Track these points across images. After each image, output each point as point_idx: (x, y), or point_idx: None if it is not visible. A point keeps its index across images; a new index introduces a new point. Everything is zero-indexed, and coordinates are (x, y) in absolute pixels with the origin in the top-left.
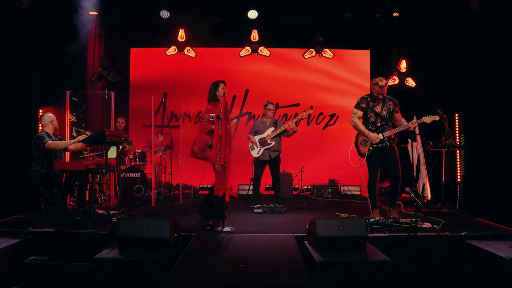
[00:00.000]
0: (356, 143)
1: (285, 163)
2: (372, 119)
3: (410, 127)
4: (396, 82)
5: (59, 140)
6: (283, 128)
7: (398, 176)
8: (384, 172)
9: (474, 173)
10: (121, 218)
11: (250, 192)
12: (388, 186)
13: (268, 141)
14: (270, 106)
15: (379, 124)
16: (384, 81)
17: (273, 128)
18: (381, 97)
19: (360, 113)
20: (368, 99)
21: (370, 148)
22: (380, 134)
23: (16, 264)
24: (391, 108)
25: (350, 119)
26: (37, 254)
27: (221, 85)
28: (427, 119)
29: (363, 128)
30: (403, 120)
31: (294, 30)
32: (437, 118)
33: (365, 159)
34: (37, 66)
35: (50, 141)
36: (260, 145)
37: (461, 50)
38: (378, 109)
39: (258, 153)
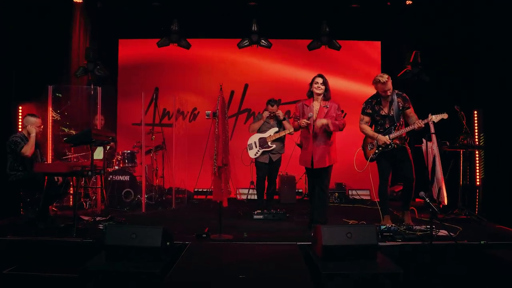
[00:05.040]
0: (363, 146)
1: (287, 165)
2: (380, 121)
3: (415, 127)
4: (409, 76)
5: (37, 145)
6: (287, 132)
7: (411, 179)
8: (396, 174)
9: (494, 176)
10: (109, 225)
11: (250, 197)
12: (401, 190)
13: (269, 143)
14: (271, 108)
15: (388, 125)
16: (385, 76)
17: (276, 129)
18: (388, 93)
19: (367, 118)
20: (373, 103)
21: (376, 151)
22: (387, 136)
23: None
24: (400, 105)
25: (358, 122)
26: (17, 264)
27: (317, 79)
28: (435, 118)
29: (371, 132)
30: (415, 116)
31: (298, 19)
32: (445, 116)
33: (369, 162)
34: (17, 58)
35: (24, 147)
36: (259, 146)
37: (481, 41)
38: (385, 110)
39: (256, 154)
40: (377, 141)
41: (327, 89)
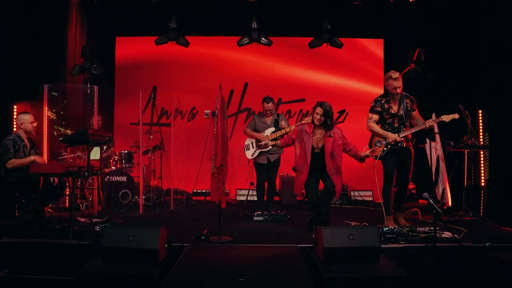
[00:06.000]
0: (370, 144)
1: (288, 165)
2: (388, 120)
3: (425, 126)
4: (413, 74)
5: (32, 145)
6: (283, 132)
7: (408, 181)
8: (396, 174)
9: (500, 177)
10: (106, 227)
11: (250, 198)
12: (396, 191)
13: None
14: (267, 106)
15: (397, 125)
16: (397, 73)
17: (273, 129)
18: (398, 91)
19: (376, 117)
20: (383, 101)
21: (385, 148)
22: (396, 134)
23: None
24: (408, 106)
25: (366, 123)
26: (12, 267)
27: (317, 109)
28: (446, 118)
29: (381, 131)
30: (420, 119)
31: (299, 17)
32: (456, 116)
33: (377, 159)
34: (11, 56)
35: (13, 159)
36: (256, 146)
37: (485, 39)
38: (394, 109)
39: (253, 155)
40: (386, 139)
41: (328, 120)
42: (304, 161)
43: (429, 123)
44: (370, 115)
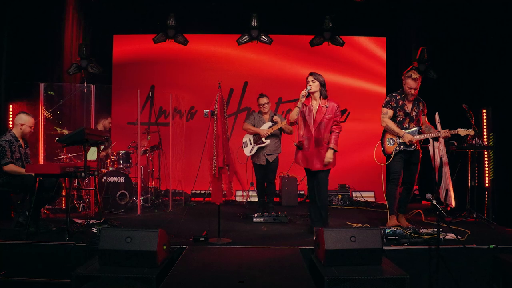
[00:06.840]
0: (382, 140)
1: (289, 166)
2: (400, 118)
3: (441, 136)
4: None
5: (26, 145)
6: (279, 126)
7: (414, 182)
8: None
9: (504, 177)
10: (103, 228)
11: (250, 199)
12: (402, 191)
13: (263, 139)
14: (262, 100)
15: (406, 125)
16: (418, 75)
17: (269, 124)
18: (413, 92)
19: (390, 112)
20: (398, 97)
21: (397, 148)
22: (411, 136)
23: None
24: (420, 109)
25: (380, 120)
26: (8, 269)
27: (308, 77)
28: (462, 132)
29: (397, 129)
30: (430, 126)
31: (300, 14)
32: (472, 132)
33: (392, 157)
34: (6, 54)
35: (11, 165)
36: (253, 142)
37: (488, 38)
38: (408, 108)
39: (251, 151)
40: (401, 138)
41: (322, 88)
42: (309, 133)
43: (445, 133)
44: (385, 110)
